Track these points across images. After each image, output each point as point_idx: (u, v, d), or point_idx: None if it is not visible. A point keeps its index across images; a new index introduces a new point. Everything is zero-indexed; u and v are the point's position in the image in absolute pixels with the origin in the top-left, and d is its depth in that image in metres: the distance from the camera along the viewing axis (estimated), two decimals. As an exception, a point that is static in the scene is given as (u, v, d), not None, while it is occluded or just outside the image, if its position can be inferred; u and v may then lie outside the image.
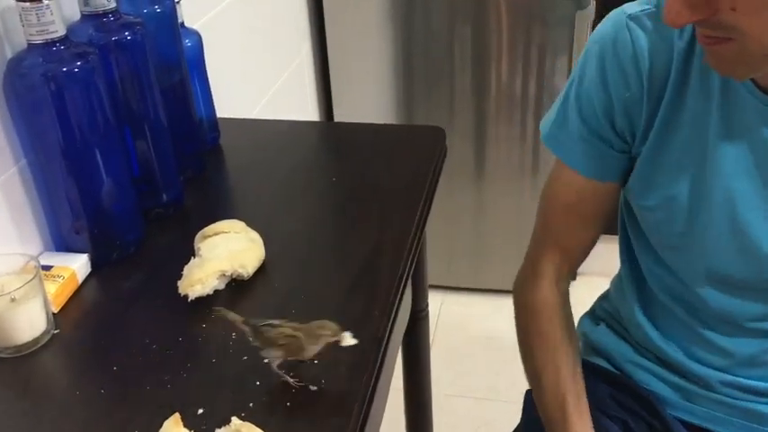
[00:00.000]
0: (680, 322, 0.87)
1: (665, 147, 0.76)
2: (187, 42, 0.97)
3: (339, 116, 1.96)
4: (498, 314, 2.04)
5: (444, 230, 2.08)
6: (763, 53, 0.62)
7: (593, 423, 0.83)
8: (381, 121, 1.92)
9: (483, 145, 1.95)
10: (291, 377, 0.68)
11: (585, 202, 0.86)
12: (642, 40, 0.75)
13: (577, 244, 0.90)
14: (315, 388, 0.66)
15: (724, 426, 0.87)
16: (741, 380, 0.85)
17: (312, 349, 0.68)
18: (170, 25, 0.90)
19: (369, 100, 1.94)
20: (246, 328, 0.69)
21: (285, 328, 0.68)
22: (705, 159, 0.75)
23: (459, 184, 2.01)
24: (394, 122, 1.94)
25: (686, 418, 0.89)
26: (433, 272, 2.04)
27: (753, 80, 0.70)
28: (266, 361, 0.68)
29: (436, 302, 2.13)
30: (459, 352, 1.98)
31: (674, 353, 0.88)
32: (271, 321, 0.69)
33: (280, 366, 0.68)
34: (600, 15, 0.83)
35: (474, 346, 2.00)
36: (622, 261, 0.94)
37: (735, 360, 0.84)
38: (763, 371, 0.84)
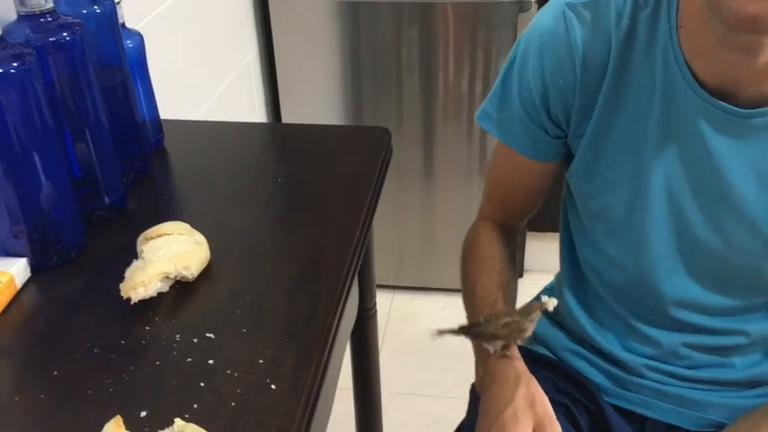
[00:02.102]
0: (613, 313, 0.90)
1: (608, 133, 0.79)
2: (128, 43, 0.96)
3: (287, 118, 1.96)
4: (447, 311, 2.06)
5: (394, 231, 2.09)
6: None
7: None
8: (330, 123, 1.93)
9: (431, 146, 1.97)
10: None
11: (525, 178, 0.90)
12: (577, 29, 0.77)
13: (520, 210, 0.97)
14: (261, 388, 0.66)
15: (654, 410, 0.91)
16: (668, 367, 0.89)
17: (530, 327, 0.78)
18: (110, 26, 0.89)
19: (317, 102, 1.95)
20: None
21: (502, 318, 0.78)
22: (645, 147, 0.77)
23: (408, 185, 2.03)
24: (342, 124, 1.95)
25: (619, 403, 0.92)
26: (383, 271, 2.07)
27: (692, 73, 0.73)
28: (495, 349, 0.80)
29: (386, 301, 2.14)
30: (408, 350, 2.00)
31: (608, 343, 0.91)
32: (482, 320, 0.80)
33: (502, 349, 0.79)
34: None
35: (423, 343, 2.02)
36: (562, 252, 0.97)
37: (661, 350, 0.88)
38: (685, 361, 0.88)
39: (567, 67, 0.78)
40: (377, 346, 1.27)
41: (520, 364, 0.79)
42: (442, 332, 0.83)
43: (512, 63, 0.84)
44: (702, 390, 0.89)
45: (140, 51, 0.99)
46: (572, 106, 0.80)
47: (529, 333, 0.78)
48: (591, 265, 0.90)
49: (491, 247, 0.93)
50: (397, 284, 2.18)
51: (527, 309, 0.79)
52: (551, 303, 0.77)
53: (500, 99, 0.86)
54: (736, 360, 0.87)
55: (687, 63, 0.73)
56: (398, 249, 2.12)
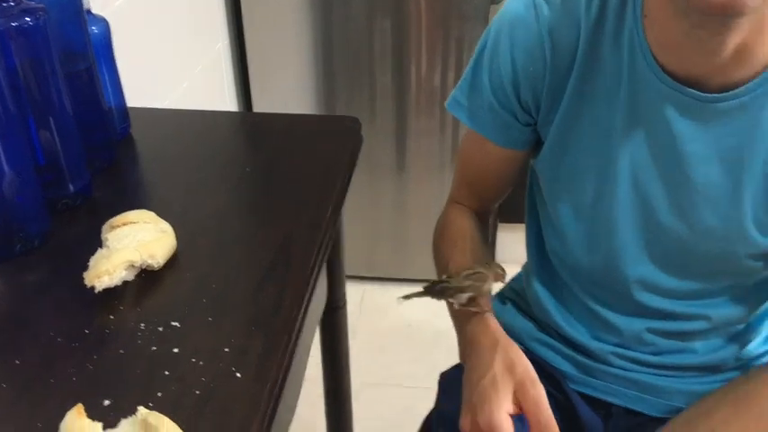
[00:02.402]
0: (579, 301, 0.91)
1: (577, 119, 0.80)
2: (94, 29, 0.95)
3: (258, 108, 1.95)
4: (417, 301, 2.07)
5: (366, 222, 2.10)
6: None
7: None
8: (302, 113, 1.92)
9: (404, 137, 1.98)
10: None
11: (495, 165, 0.91)
12: (547, 16, 0.77)
13: (491, 195, 0.98)
14: (226, 376, 0.66)
15: (619, 396, 0.93)
16: (633, 353, 0.90)
17: (490, 282, 0.79)
18: (75, 11, 0.88)
19: (289, 93, 1.94)
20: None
21: (464, 271, 0.80)
22: (613, 133, 0.78)
23: (380, 177, 2.03)
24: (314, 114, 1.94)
25: (586, 391, 0.94)
26: (355, 263, 2.07)
27: (657, 61, 0.74)
28: (453, 304, 0.81)
29: (358, 293, 2.14)
30: (380, 341, 2.01)
31: (575, 331, 0.92)
32: (445, 277, 0.81)
33: (466, 303, 0.80)
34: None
35: (395, 334, 2.03)
36: (529, 242, 0.98)
37: (626, 337, 0.89)
38: (649, 348, 0.90)
39: (537, 54, 0.79)
40: (347, 337, 1.27)
41: (497, 331, 0.79)
42: (407, 296, 0.84)
43: (482, 50, 0.84)
44: (665, 376, 0.90)
45: (106, 38, 0.98)
46: (542, 93, 0.81)
47: (493, 284, 0.80)
48: (557, 253, 0.91)
49: (463, 229, 0.94)
50: (370, 276, 2.18)
51: (488, 263, 0.81)
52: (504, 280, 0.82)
53: (470, 87, 0.86)
54: (698, 345, 0.89)
55: (652, 51, 0.74)
56: (371, 241, 2.13)
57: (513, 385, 0.72)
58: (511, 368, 0.73)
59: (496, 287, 0.81)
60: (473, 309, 0.81)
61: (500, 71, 0.82)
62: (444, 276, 0.83)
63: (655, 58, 0.74)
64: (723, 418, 0.77)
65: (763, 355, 0.93)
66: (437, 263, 0.95)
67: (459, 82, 0.89)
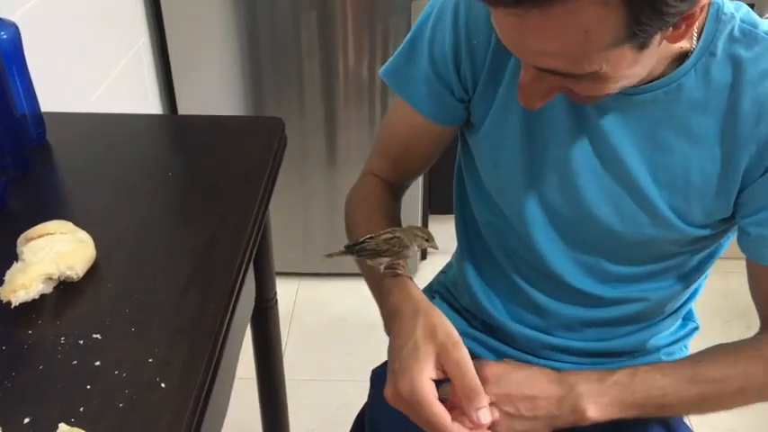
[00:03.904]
0: (507, 279, 0.92)
1: (514, 102, 0.79)
2: (2, 35, 0.92)
3: (183, 109, 1.91)
4: (351, 295, 2.08)
5: (298, 218, 2.09)
6: (613, 89, 0.68)
7: None
8: (230, 114, 1.90)
9: (334, 131, 1.98)
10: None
11: (422, 139, 0.90)
12: None
13: (411, 169, 0.96)
14: (150, 387, 0.66)
15: None
16: (560, 341, 0.93)
17: (413, 248, 0.79)
18: (-20, 17, 0.85)
19: (215, 91, 1.91)
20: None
21: (384, 234, 0.80)
22: (545, 122, 0.80)
23: (312, 172, 2.03)
24: (242, 114, 1.92)
25: None
26: (288, 259, 2.07)
27: None
28: (379, 268, 0.81)
29: (292, 289, 2.14)
30: (314, 336, 2.01)
31: (499, 314, 0.94)
32: (364, 238, 0.81)
33: (386, 268, 0.79)
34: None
35: (329, 329, 2.04)
36: (458, 225, 0.99)
37: (553, 322, 0.92)
38: (577, 334, 0.93)
39: (482, 28, 0.79)
40: (279, 336, 1.27)
41: (418, 297, 0.78)
42: (330, 255, 0.83)
43: (426, 19, 0.84)
44: (588, 364, 0.93)
45: (16, 43, 0.95)
46: (482, 69, 0.81)
47: (412, 249, 0.80)
48: (488, 224, 0.92)
49: (383, 203, 0.92)
50: (303, 272, 2.18)
51: (413, 231, 0.81)
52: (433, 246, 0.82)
53: (408, 55, 0.86)
54: (622, 331, 0.92)
55: None
56: (303, 236, 2.12)
57: (435, 350, 0.71)
58: (432, 333, 0.72)
59: (414, 246, 0.80)
60: (395, 272, 0.80)
61: (444, 41, 0.82)
62: (363, 237, 0.82)
63: None
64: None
65: (673, 342, 0.97)
66: (351, 234, 0.92)
67: (396, 51, 0.88)
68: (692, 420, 1.14)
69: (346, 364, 1.90)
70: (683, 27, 0.63)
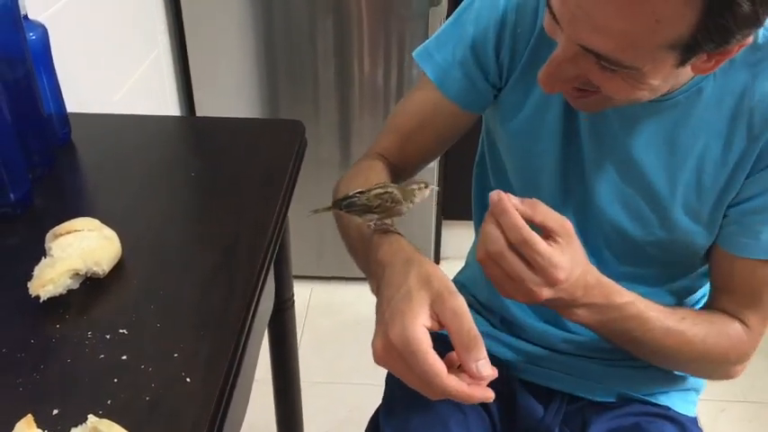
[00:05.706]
0: None
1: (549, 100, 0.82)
2: (31, 36, 0.93)
3: (201, 111, 1.94)
4: (364, 299, 2.08)
5: (312, 222, 2.10)
6: (627, 100, 0.69)
7: None
8: (246, 116, 1.92)
9: (348, 136, 1.99)
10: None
11: (438, 119, 0.90)
12: None
13: (418, 154, 0.94)
14: (175, 381, 0.67)
15: (561, 383, 0.96)
16: (576, 336, 0.93)
17: (407, 204, 0.74)
18: (11, 18, 0.87)
19: (232, 94, 1.93)
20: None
21: (375, 189, 0.74)
22: (567, 125, 0.82)
23: (326, 176, 2.04)
24: (258, 117, 1.94)
25: (529, 379, 0.97)
26: (302, 262, 2.08)
27: None
28: (369, 225, 0.75)
29: (306, 292, 2.15)
30: (328, 339, 2.02)
31: (517, 309, 0.95)
32: (354, 193, 0.75)
33: (376, 226, 0.74)
34: (451, 13, 0.88)
35: (342, 332, 2.05)
36: (475, 211, 0.99)
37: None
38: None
39: (529, 19, 0.80)
40: (295, 338, 1.28)
41: (410, 248, 0.71)
42: (316, 210, 0.81)
43: (471, 3, 0.85)
44: (609, 360, 0.94)
45: (44, 44, 0.97)
46: (520, 58, 0.82)
47: (404, 207, 0.73)
48: None
49: (380, 175, 0.88)
50: (317, 275, 2.19)
51: (408, 186, 0.75)
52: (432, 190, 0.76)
53: (447, 39, 0.86)
54: None
55: None
56: (317, 240, 2.14)
57: (429, 297, 0.63)
58: (427, 280, 0.64)
59: (407, 203, 0.74)
60: (386, 229, 0.74)
61: (489, 22, 0.82)
62: (353, 192, 0.76)
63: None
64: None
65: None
66: (338, 194, 0.86)
67: (435, 34, 0.88)
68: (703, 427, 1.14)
69: (359, 367, 1.91)
70: (713, 62, 0.64)
